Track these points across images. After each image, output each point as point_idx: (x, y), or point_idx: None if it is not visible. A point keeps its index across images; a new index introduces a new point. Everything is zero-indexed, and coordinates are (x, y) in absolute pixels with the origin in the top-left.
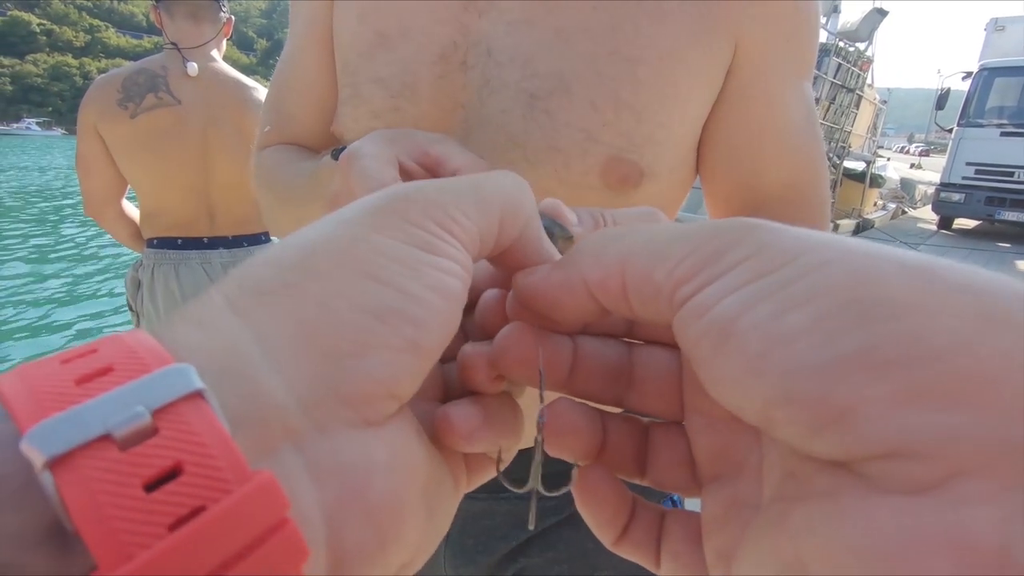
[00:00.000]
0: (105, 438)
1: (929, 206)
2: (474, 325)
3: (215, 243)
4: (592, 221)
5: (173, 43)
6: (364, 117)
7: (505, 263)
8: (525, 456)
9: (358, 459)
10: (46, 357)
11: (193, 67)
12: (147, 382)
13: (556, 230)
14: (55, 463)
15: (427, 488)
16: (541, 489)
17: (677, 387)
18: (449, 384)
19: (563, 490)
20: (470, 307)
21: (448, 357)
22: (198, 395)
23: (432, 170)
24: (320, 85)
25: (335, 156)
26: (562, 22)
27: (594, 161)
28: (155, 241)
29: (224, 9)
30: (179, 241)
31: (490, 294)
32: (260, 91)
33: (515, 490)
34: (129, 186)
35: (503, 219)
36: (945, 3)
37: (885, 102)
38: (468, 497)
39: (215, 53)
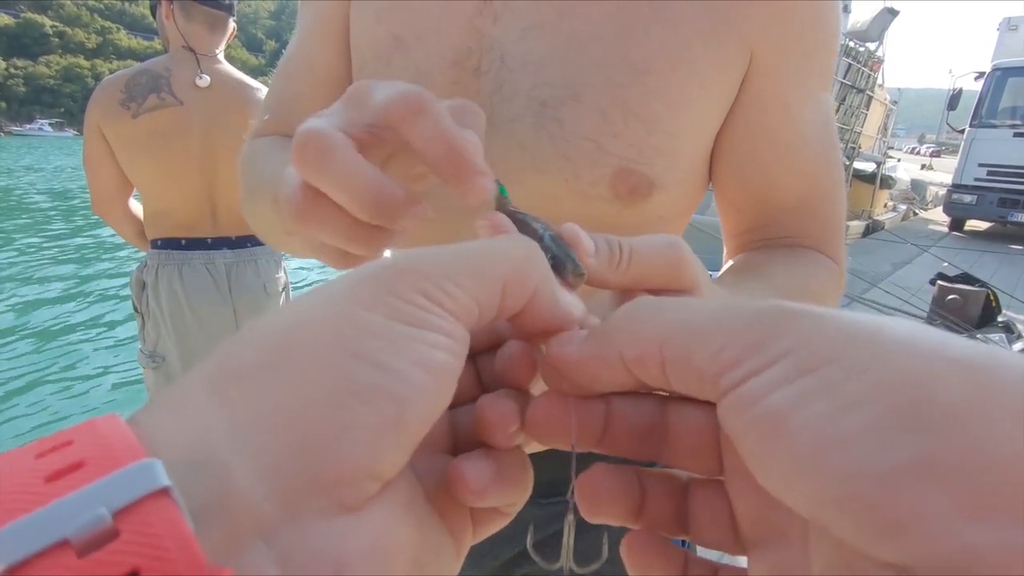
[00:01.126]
0: (64, 544)
1: (940, 207)
2: (492, 371)
3: (219, 243)
4: (608, 251)
5: (191, 48)
6: None
7: (521, 325)
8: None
9: (331, 548)
10: (26, 446)
11: (206, 80)
12: (114, 480)
13: (568, 264)
14: (13, 571)
15: (420, 559)
16: (574, 567)
17: (714, 444)
18: (457, 432)
19: (593, 567)
20: (491, 348)
21: (456, 403)
22: (164, 493)
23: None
24: (325, 73)
25: None
26: (575, 28)
27: (603, 171)
28: (159, 242)
29: (234, 19)
30: (183, 242)
31: (513, 345)
32: (264, 92)
33: (547, 566)
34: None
35: (507, 288)
36: (956, 3)
37: (895, 102)
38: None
39: (220, 55)
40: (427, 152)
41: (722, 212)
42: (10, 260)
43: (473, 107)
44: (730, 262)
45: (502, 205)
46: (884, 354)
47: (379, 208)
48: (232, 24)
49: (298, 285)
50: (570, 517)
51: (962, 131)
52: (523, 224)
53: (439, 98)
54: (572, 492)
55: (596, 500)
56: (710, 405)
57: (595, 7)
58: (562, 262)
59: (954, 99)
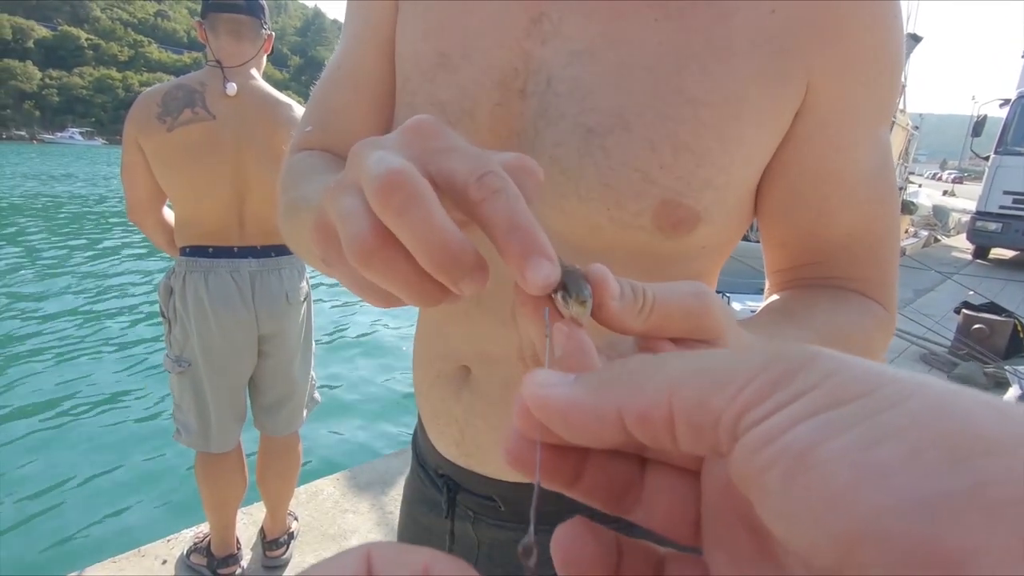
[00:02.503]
0: None
1: (963, 234)
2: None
3: (244, 252)
4: (632, 297)
5: (217, 61)
6: None
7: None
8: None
9: None
10: None
11: (232, 87)
12: None
13: (574, 292)
14: None
15: None
16: None
17: (692, 511)
18: None
19: None
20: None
21: None
22: None
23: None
24: (376, 83)
25: None
26: (625, 56)
27: (648, 203)
28: (187, 249)
29: (265, 26)
30: (210, 249)
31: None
32: (294, 108)
33: None
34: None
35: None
36: (979, 29)
37: (917, 128)
38: (497, 525)
39: (254, 71)
40: (493, 225)
41: (766, 247)
42: (46, 260)
43: (531, 165)
44: (769, 299)
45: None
46: (915, 389)
47: (452, 267)
48: (264, 33)
49: (321, 299)
50: (531, 560)
51: (987, 158)
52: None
53: (480, 136)
54: (528, 550)
55: (570, 557)
56: (693, 473)
57: (648, 36)
58: (568, 287)
59: (978, 126)
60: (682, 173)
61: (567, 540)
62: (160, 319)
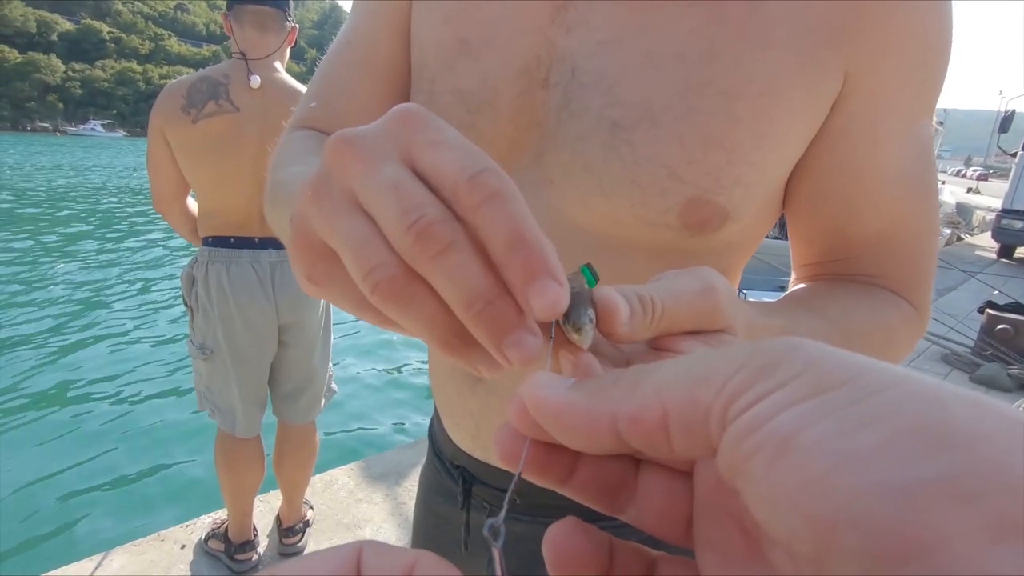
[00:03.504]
0: None
1: (988, 233)
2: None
3: (265, 243)
4: (641, 314)
5: (242, 53)
6: None
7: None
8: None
9: None
10: None
11: (256, 80)
12: None
13: (573, 318)
14: None
15: None
16: None
17: (684, 512)
18: None
19: None
20: None
21: None
22: None
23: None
24: (388, 64)
25: None
26: (655, 46)
27: (675, 201)
28: (210, 240)
29: (290, 18)
30: (232, 240)
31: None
32: None
33: None
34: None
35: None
36: (1007, 22)
37: (942, 123)
38: (513, 518)
39: (278, 64)
40: (491, 237)
41: (793, 241)
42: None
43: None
44: (792, 290)
45: None
46: (895, 379)
47: (487, 319)
48: (288, 25)
49: None
50: (498, 541)
51: (1014, 154)
52: None
53: (500, 126)
54: (495, 532)
55: (562, 556)
56: (686, 473)
57: (679, 25)
58: (570, 316)
59: (1006, 121)
60: (711, 170)
61: (559, 539)
62: (183, 308)
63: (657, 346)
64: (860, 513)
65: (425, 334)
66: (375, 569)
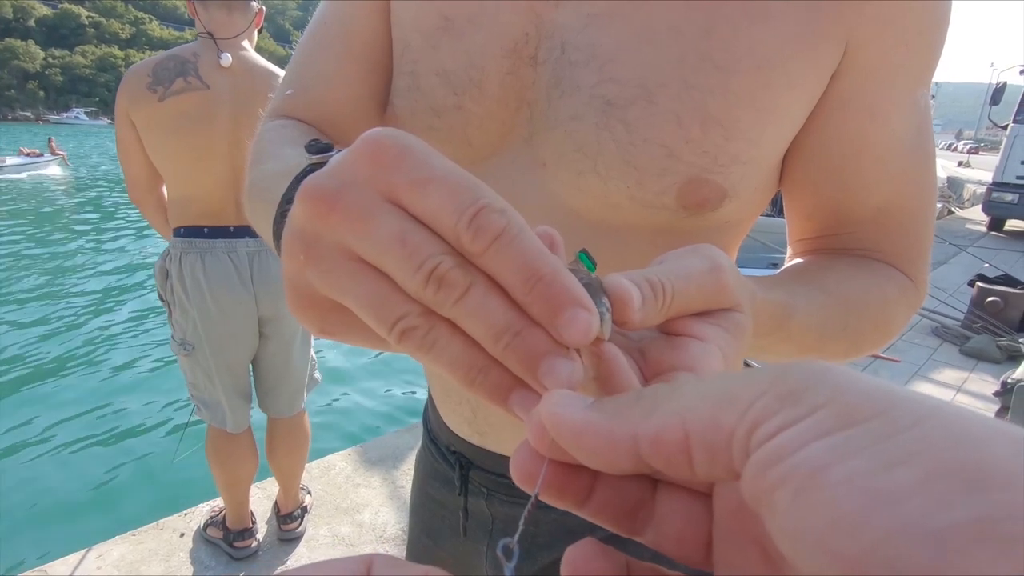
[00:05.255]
0: None
1: (979, 206)
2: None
3: (241, 232)
4: (653, 298)
5: (209, 33)
6: (423, 113)
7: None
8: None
9: None
10: None
11: (227, 58)
12: None
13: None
14: None
15: None
16: None
17: (703, 534)
18: None
19: None
20: None
21: None
22: None
23: None
24: (367, 45)
25: (311, 150)
26: (650, 20)
27: (672, 181)
28: (181, 230)
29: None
30: (205, 230)
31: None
32: None
33: None
34: None
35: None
36: None
37: (933, 96)
38: (511, 502)
39: (246, 43)
40: (506, 280)
41: (789, 216)
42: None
43: (554, 236)
44: (789, 264)
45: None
46: (926, 412)
47: (516, 351)
48: (255, 6)
49: None
50: (512, 562)
51: (1005, 127)
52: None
53: (487, 106)
54: (507, 549)
55: None
56: (705, 495)
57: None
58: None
59: (997, 93)
60: (709, 148)
61: (578, 561)
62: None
63: (667, 330)
64: (893, 555)
65: (451, 372)
66: None
